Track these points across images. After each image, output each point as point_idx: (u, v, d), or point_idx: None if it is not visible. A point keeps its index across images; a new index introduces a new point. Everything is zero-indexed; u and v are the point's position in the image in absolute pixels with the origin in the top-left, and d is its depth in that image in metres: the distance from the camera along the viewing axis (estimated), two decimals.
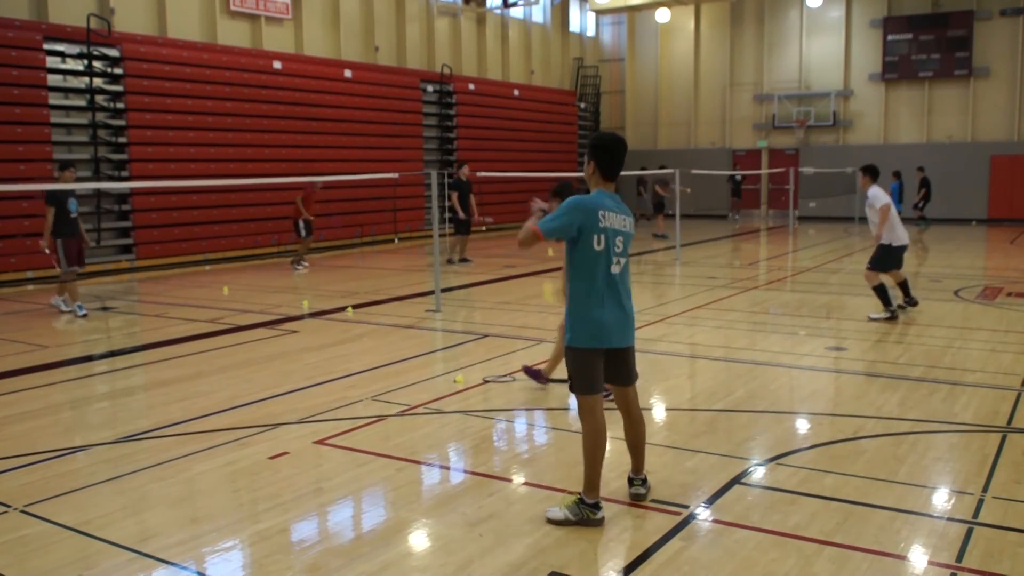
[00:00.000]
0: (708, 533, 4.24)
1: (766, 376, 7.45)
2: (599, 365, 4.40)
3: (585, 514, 4.29)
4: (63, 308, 11.22)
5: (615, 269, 4.35)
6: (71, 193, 11.04)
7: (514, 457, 5.55)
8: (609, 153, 4.36)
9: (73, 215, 11.03)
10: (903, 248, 10.16)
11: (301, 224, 15.76)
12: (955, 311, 10.68)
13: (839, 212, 27.89)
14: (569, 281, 4.40)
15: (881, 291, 10.05)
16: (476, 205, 17.16)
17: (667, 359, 8.25)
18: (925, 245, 19.52)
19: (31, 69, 14.86)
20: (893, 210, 10.00)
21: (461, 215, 16.59)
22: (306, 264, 16.25)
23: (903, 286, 10.46)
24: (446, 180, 21.30)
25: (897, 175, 19.16)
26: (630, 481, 4.70)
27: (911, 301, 10.44)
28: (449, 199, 16.89)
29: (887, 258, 10.14)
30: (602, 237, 4.26)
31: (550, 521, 4.34)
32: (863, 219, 26.46)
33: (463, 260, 16.78)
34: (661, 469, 5.11)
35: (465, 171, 16.92)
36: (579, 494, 4.36)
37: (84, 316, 10.91)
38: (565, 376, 4.63)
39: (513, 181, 24.81)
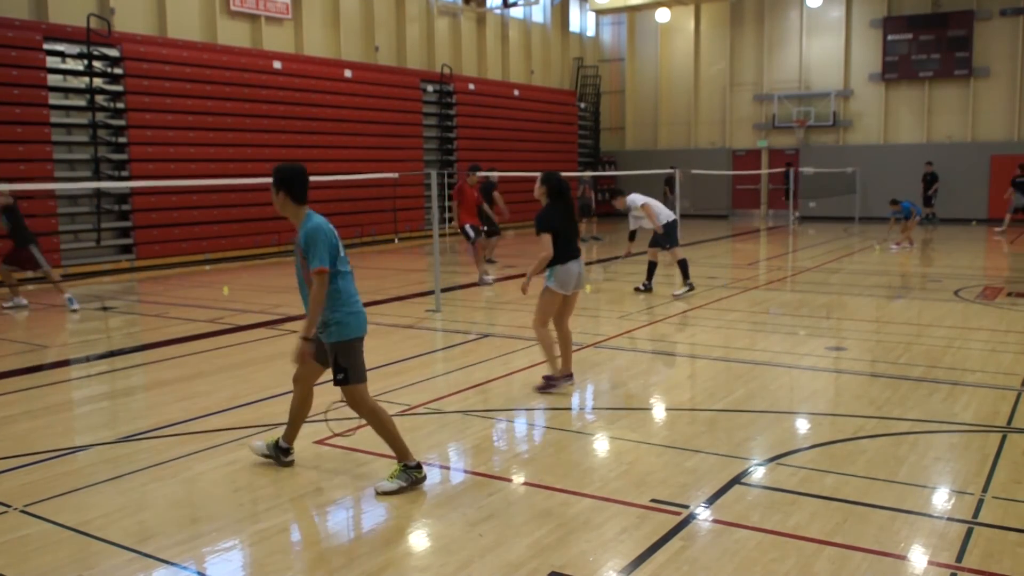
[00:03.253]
0: (708, 533, 4.24)
1: (766, 376, 7.45)
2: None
3: (413, 475, 4.86)
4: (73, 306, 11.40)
5: (350, 268, 5.05)
6: None
7: (514, 457, 5.55)
8: (297, 183, 4.94)
9: None
10: (673, 223, 12.14)
11: (468, 227, 13.97)
12: (955, 311, 10.68)
13: (839, 212, 27.89)
14: (331, 286, 4.80)
15: (682, 265, 12.23)
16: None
17: (667, 359, 8.25)
18: (930, 244, 19.51)
19: (31, 69, 14.86)
20: (650, 202, 12.15)
21: (494, 217, 16.15)
22: (488, 277, 13.89)
23: (652, 268, 12.46)
24: (446, 180, 21.28)
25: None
26: (287, 451, 5.23)
27: (647, 286, 12.40)
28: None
29: (672, 234, 12.07)
30: (339, 246, 4.93)
31: (384, 494, 4.76)
32: (863, 219, 26.53)
33: (489, 261, 16.68)
34: (661, 469, 5.11)
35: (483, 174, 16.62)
36: (401, 464, 4.87)
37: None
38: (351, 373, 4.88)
39: (513, 181, 24.79)
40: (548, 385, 6.94)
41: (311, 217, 4.92)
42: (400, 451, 4.90)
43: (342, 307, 4.84)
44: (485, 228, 16.11)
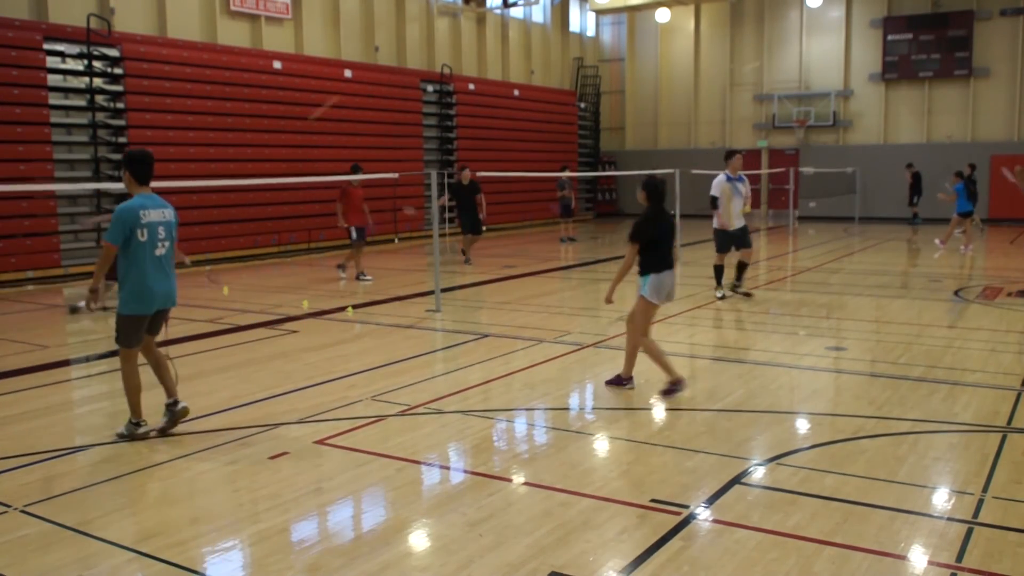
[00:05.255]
0: (708, 533, 4.24)
1: (766, 376, 7.45)
2: (144, 325, 5.88)
3: (132, 430, 5.83)
4: None
5: (160, 252, 5.90)
6: None
7: (514, 457, 5.55)
8: (140, 164, 5.85)
9: None
10: (733, 232, 11.55)
11: (353, 230, 14.25)
12: (955, 311, 10.68)
13: (839, 212, 27.89)
14: (124, 264, 5.74)
15: (717, 271, 11.79)
16: (485, 206, 17.16)
17: (667, 359, 8.23)
18: (919, 245, 19.53)
19: (31, 69, 14.85)
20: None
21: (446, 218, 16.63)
22: (356, 275, 14.30)
23: (742, 268, 11.78)
24: (446, 180, 21.32)
25: (960, 175, 19.13)
26: (167, 407, 5.98)
27: (738, 286, 11.75)
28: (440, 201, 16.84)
29: (728, 239, 11.61)
30: (145, 230, 5.73)
31: (118, 435, 5.82)
32: (864, 219, 26.52)
33: (464, 257, 16.89)
34: (661, 469, 5.11)
35: (466, 174, 16.89)
36: (129, 417, 5.87)
37: None
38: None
39: (513, 181, 24.80)
40: (670, 390, 6.70)
41: (131, 200, 5.77)
42: (133, 408, 5.87)
43: (129, 289, 5.72)
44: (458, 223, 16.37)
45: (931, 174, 24.77)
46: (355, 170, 14.12)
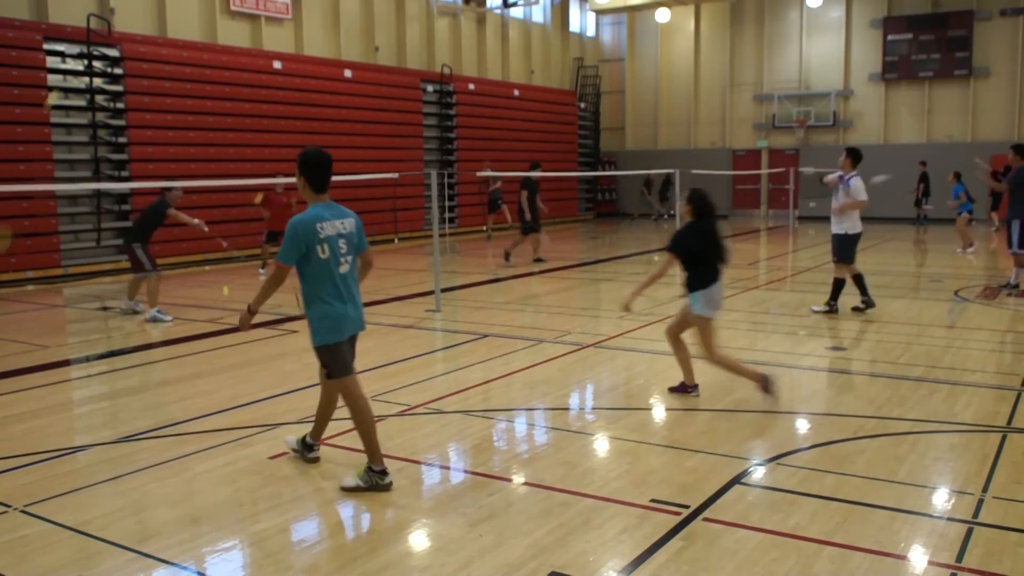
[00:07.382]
0: (708, 533, 4.24)
1: None
2: (347, 350, 4.95)
3: (375, 480, 4.80)
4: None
5: (343, 269, 4.90)
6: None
7: (514, 457, 5.55)
8: (316, 168, 4.96)
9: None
10: (858, 237, 10.45)
11: (266, 233, 14.92)
12: (955, 311, 10.67)
13: None
14: (306, 288, 4.91)
15: (840, 284, 10.39)
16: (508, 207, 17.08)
17: (667, 359, 8.23)
18: (925, 246, 19.52)
19: (31, 69, 14.86)
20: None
21: (528, 216, 16.22)
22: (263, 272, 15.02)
23: (858, 281, 10.41)
24: (446, 180, 21.30)
25: (958, 176, 19.01)
26: (311, 447, 5.31)
27: (868, 301, 10.34)
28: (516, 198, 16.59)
29: (836, 246, 10.45)
30: (325, 246, 4.82)
31: (344, 489, 4.81)
32: (864, 219, 26.44)
33: (537, 260, 16.58)
34: (661, 469, 5.11)
35: (537, 172, 16.77)
36: (368, 464, 4.85)
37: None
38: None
39: (514, 181, 24.77)
40: (765, 387, 6.39)
41: (307, 211, 4.92)
42: (370, 452, 4.90)
43: (317, 313, 4.89)
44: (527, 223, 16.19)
45: (931, 175, 24.76)
46: (285, 176, 14.72)
